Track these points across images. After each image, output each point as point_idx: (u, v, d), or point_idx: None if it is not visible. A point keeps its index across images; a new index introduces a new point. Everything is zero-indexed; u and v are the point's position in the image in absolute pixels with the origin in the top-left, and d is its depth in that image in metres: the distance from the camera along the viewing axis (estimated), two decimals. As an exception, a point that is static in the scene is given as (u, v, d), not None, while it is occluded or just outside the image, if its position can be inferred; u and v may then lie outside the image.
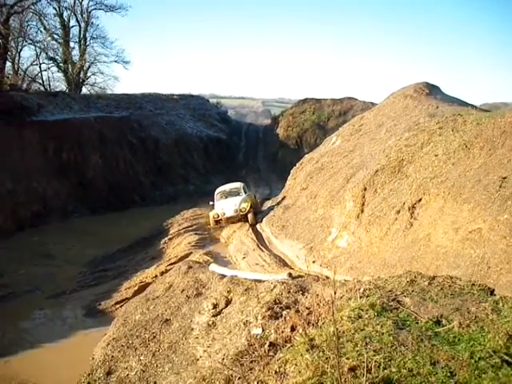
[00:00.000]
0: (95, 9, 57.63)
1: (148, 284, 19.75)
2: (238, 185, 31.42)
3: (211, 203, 30.25)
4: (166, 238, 29.23)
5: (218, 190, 31.00)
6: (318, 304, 8.62)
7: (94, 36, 57.47)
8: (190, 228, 30.73)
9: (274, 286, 10.67)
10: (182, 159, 45.50)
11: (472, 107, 28.36)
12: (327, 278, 15.87)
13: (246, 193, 30.38)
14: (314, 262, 20.28)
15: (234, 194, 30.09)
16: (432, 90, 32.30)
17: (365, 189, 20.71)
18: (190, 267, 16.59)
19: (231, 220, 28.59)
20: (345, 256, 19.18)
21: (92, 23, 57.39)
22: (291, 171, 32.81)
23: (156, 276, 21.37)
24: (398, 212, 18.22)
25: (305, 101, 58.16)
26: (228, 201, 29.17)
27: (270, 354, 7.39)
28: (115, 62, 59.00)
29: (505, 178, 15.59)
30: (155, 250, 27.77)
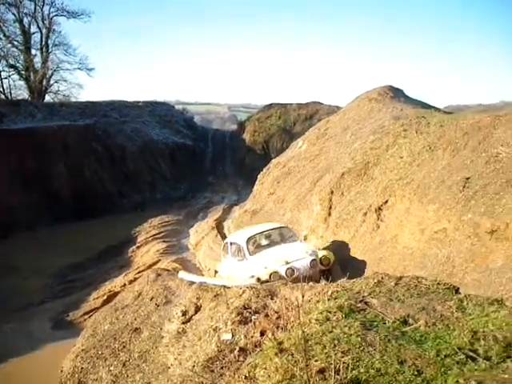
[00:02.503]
0: (56, 15, 56.49)
1: (117, 293, 19.57)
2: (277, 225, 20.40)
3: (225, 257, 19.46)
4: (134, 247, 29.07)
5: (244, 237, 18.64)
6: (286, 308, 8.62)
7: (57, 43, 56.43)
8: (158, 235, 30.62)
9: (243, 291, 10.64)
10: (148, 166, 45.09)
11: (435, 109, 28.73)
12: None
13: (295, 236, 18.94)
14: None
15: (277, 240, 19.02)
16: (396, 93, 32.64)
17: (332, 192, 20.86)
18: (158, 275, 16.44)
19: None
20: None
21: (54, 30, 56.41)
22: (258, 176, 32.78)
23: (125, 285, 21.25)
24: (365, 214, 18.40)
25: (271, 106, 58.20)
26: (277, 251, 17.54)
27: (240, 359, 7.38)
28: (79, 69, 58.06)
29: (468, 178, 15.84)
30: (123, 258, 27.59)
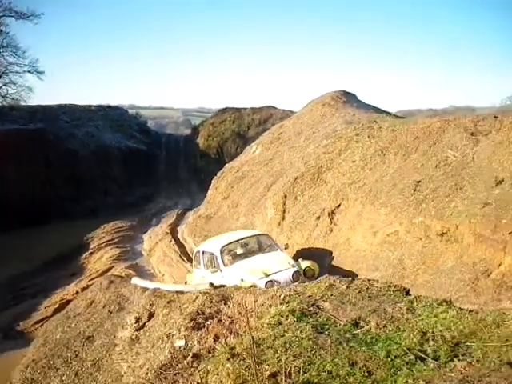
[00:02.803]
0: (4, 15, 55.14)
1: (69, 301, 19.19)
2: (254, 232, 18.99)
3: (197, 267, 17.97)
4: (87, 253, 28.64)
5: (217, 246, 16.90)
6: (239, 312, 8.61)
7: (5, 44, 55.01)
8: (111, 241, 30.24)
9: (197, 297, 10.58)
10: (101, 171, 44.39)
11: (387, 114, 29.17)
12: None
13: (275, 245, 17.14)
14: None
15: (255, 249, 17.35)
16: (349, 98, 33.01)
17: (285, 196, 20.95)
18: (111, 282, 16.20)
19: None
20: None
21: (1, 31, 55.00)
22: (212, 181, 32.68)
23: (77, 292, 20.89)
24: (318, 218, 18.53)
25: (225, 110, 58.19)
26: (255, 261, 15.88)
27: (194, 365, 7.31)
28: (28, 72, 56.72)
29: (419, 181, 16.13)
30: (76, 265, 27.13)
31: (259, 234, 18.13)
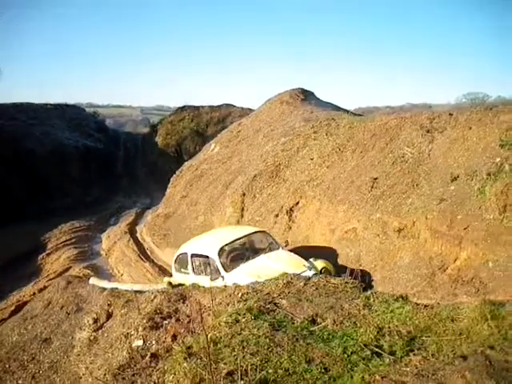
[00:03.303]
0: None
1: (26, 302, 18.84)
2: (251, 230, 16.22)
3: (181, 271, 15.60)
4: (44, 254, 28.13)
5: (213, 249, 14.39)
6: (197, 311, 8.56)
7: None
8: (69, 242, 29.78)
9: (155, 296, 10.51)
10: (58, 171, 43.54)
11: (345, 111, 29.32)
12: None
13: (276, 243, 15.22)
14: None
15: (256, 249, 15.30)
16: (307, 96, 33.09)
17: (244, 194, 20.92)
18: (69, 282, 15.98)
19: None
20: (227, 262, 19.23)
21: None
22: (171, 179, 32.46)
23: (34, 293, 20.53)
24: (277, 216, 18.56)
25: (183, 108, 57.85)
26: (262, 264, 13.68)
27: (152, 365, 7.25)
28: (-17, 71, 55.78)
29: (376, 178, 16.28)
30: (33, 266, 26.63)
31: (257, 232, 15.76)
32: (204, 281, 13.25)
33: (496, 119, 15.54)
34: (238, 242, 15.15)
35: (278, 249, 14.65)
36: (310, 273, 11.97)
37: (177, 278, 15.57)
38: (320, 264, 13.41)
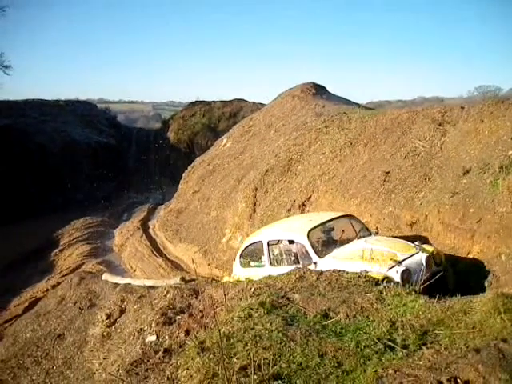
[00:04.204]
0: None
1: (39, 299, 19.03)
2: (338, 214, 14.30)
3: (250, 265, 13.58)
4: (57, 250, 28.36)
5: (301, 232, 12.39)
6: (210, 306, 8.61)
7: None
8: (82, 238, 29.98)
9: (168, 292, 10.55)
10: (70, 167, 43.75)
11: (357, 106, 29.27)
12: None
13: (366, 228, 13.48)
14: (209, 264, 20.31)
15: (347, 234, 13.22)
16: (318, 90, 33.00)
17: (256, 189, 20.94)
18: (82, 278, 16.10)
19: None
20: (239, 257, 19.30)
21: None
22: (183, 175, 32.51)
23: (47, 290, 20.71)
24: (289, 210, 18.58)
25: (195, 103, 57.97)
26: (358, 246, 11.76)
27: (165, 360, 7.30)
28: (-6, 67, 55.72)
29: (388, 172, 16.25)
30: (46, 262, 26.85)
31: (345, 215, 13.90)
32: (286, 271, 10.40)
33: (508, 112, 15.46)
34: (326, 225, 13.11)
35: (369, 235, 12.81)
36: (423, 255, 10.90)
37: (242, 274, 13.03)
38: (429, 247, 11.71)
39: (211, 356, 5.57)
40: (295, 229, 12.93)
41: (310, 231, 12.13)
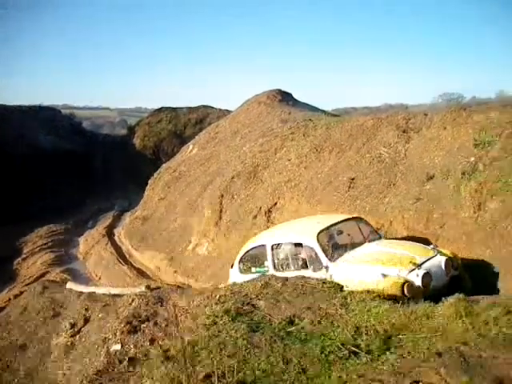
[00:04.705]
0: None
1: (1, 309, 18.63)
2: (346, 216, 13.38)
3: (251, 271, 12.29)
4: (20, 258, 27.88)
5: (310, 234, 11.42)
6: (175, 314, 8.55)
7: None
8: (46, 246, 29.54)
9: (133, 300, 10.45)
10: (34, 174, 43.21)
11: (322, 112, 29.50)
12: (189, 286, 15.86)
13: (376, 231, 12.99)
14: (175, 271, 20.21)
15: (356, 238, 12.34)
16: (284, 97, 33.19)
17: (222, 196, 20.92)
18: (45, 287, 15.79)
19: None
20: (206, 263, 19.27)
21: None
22: (149, 182, 32.34)
23: (9, 299, 20.27)
24: (255, 217, 18.60)
25: (161, 110, 57.65)
26: (371, 249, 11.38)
27: (130, 369, 7.23)
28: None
29: (353, 178, 16.39)
30: (8, 272, 26.33)
31: (353, 218, 13.03)
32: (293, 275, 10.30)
33: (470, 119, 15.74)
34: (335, 227, 12.26)
35: (379, 238, 12.30)
36: (441, 258, 10.49)
37: (242, 281, 11.13)
38: (445, 250, 11.27)
39: (175, 364, 5.54)
40: (303, 231, 12.22)
41: (319, 233, 11.35)
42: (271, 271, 11.43)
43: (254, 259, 12.48)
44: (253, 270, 12.21)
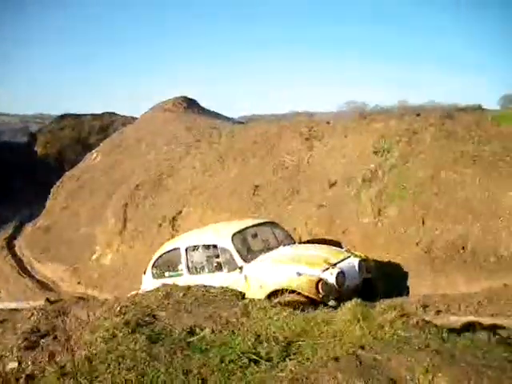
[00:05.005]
0: None
1: None
2: (262, 220, 13.73)
3: (165, 275, 12.28)
4: None
5: (225, 236, 11.72)
6: (77, 328, 8.33)
7: None
8: None
9: (32, 314, 10.05)
10: None
11: (228, 120, 29.67)
12: (94, 298, 15.50)
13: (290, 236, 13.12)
14: (79, 282, 19.71)
15: (270, 241, 12.37)
16: (190, 104, 33.18)
17: (126, 204, 20.64)
18: None
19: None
20: (110, 274, 18.92)
21: None
22: (51, 190, 31.45)
23: None
24: (160, 225, 18.47)
25: (64, 117, 56.26)
26: (286, 251, 11.63)
27: (28, 388, 6.96)
28: None
29: (257, 186, 16.57)
30: None
31: (269, 222, 13.19)
32: (206, 279, 10.43)
33: (370, 127, 16.26)
34: (250, 230, 12.28)
35: (294, 243, 12.61)
36: (355, 260, 10.81)
37: (155, 286, 9.91)
38: (359, 253, 11.57)
39: (72, 380, 5.36)
40: (218, 233, 12.20)
41: (233, 235, 11.50)
42: (185, 275, 11.56)
43: (167, 263, 12.38)
44: (166, 274, 12.14)
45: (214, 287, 8.36)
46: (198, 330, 6.46)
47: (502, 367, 4.58)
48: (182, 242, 12.59)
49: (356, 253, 11.47)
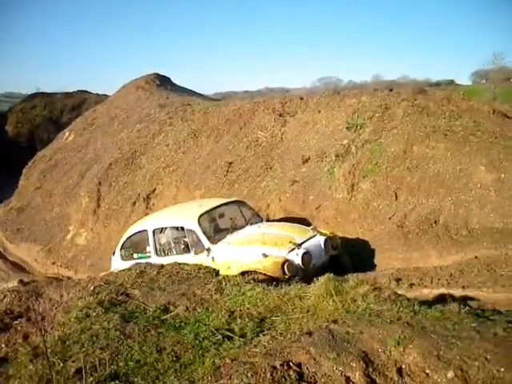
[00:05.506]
0: None
1: None
2: (229, 199, 13.54)
3: (133, 257, 12.31)
4: None
5: (191, 218, 11.48)
6: (51, 308, 8.27)
7: None
8: None
9: (5, 296, 9.99)
10: None
11: (201, 97, 29.44)
12: (69, 278, 15.40)
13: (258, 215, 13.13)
14: (53, 263, 19.58)
15: (238, 221, 12.24)
16: (163, 81, 32.81)
17: (99, 183, 20.45)
18: None
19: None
20: (85, 254, 18.80)
21: None
22: (23, 171, 31.05)
23: None
24: (134, 204, 18.37)
25: (35, 95, 55.35)
26: (252, 231, 11.61)
27: (1, 370, 6.92)
28: None
29: (231, 163, 16.53)
30: None
31: (236, 201, 13.15)
32: (174, 261, 10.34)
33: (343, 103, 16.28)
34: (217, 211, 12.29)
35: (261, 221, 12.57)
36: (320, 238, 10.92)
37: (123, 268, 10.61)
38: (325, 231, 11.61)
39: (45, 362, 5.33)
40: (184, 215, 12.11)
41: (200, 216, 11.38)
42: (153, 257, 11.48)
43: (135, 245, 12.38)
44: (135, 256, 12.12)
45: (188, 265, 8.37)
46: (171, 307, 6.49)
47: (471, 337, 4.65)
48: (149, 223, 12.54)
49: (322, 231, 11.53)
